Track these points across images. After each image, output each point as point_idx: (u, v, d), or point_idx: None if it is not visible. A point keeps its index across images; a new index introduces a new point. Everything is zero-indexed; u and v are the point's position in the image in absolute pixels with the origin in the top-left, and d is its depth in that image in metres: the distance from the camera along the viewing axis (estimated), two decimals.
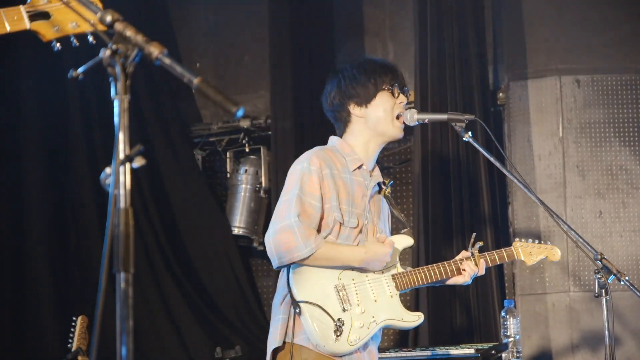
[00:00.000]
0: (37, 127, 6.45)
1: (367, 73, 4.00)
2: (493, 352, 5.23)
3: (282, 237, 3.72)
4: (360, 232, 3.91)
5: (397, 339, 6.50)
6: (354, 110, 4.00)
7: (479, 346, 5.35)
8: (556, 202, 6.26)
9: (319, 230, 3.81)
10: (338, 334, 3.72)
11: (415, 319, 3.95)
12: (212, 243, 7.05)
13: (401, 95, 4.03)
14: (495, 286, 6.17)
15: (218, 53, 7.50)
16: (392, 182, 4.15)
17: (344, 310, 3.77)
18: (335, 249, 3.82)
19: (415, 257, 6.21)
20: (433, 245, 6.22)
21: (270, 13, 6.98)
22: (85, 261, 6.46)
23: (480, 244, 4.09)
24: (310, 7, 6.92)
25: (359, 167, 3.97)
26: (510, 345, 5.23)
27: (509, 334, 5.37)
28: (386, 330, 5.85)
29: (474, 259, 4.06)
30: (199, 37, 7.52)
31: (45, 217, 6.40)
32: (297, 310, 3.71)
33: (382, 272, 3.93)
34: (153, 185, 6.88)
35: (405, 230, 4.06)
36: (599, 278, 3.93)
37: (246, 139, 7.26)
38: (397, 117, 4.02)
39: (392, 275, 3.94)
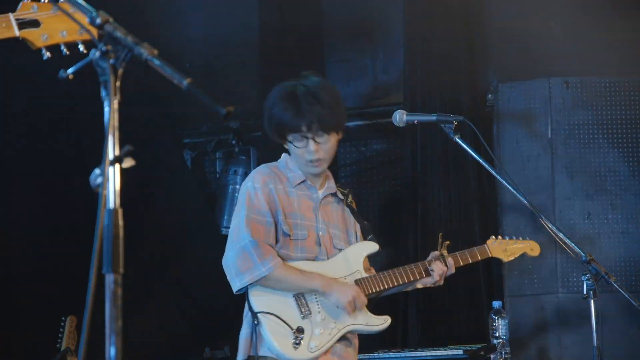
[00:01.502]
0: (24, 126, 6.42)
1: (271, 123, 3.94)
2: (482, 353, 5.24)
3: (239, 261, 3.76)
4: (317, 243, 3.91)
5: (386, 340, 6.50)
6: (280, 140, 3.99)
7: (468, 347, 5.36)
8: (545, 204, 6.26)
9: None
10: (297, 342, 3.73)
11: (381, 322, 3.94)
12: (201, 243, 7.03)
13: (310, 142, 3.86)
14: (484, 287, 6.18)
15: (208, 54, 7.49)
16: (349, 190, 4.12)
17: (303, 318, 3.77)
18: (293, 272, 3.79)
19: (404, 259, 6.21)
20: (422, 246, 6.22)
21: (260, 14, 6.98)
22: (74, 261, 6.42)
23: (447, 243, 4.09)
24: (300, 9, 6.92)
25: (303, 182, 3.96)
26: (498, 347, 5.24)
27: (497, 335, 5.37)
28: None
29: (443, 259, 4.07)
30: (189, 37, 7.50)
31: (33, 217, 6.37)
32: (256, 322, 3.74)
33: (345, 279, 3.91)
34: (142, 185, 6.86)
35: (371, 236, 4.05)
36: (587, 280, 3.94)
37: (236, 139, 7.26)
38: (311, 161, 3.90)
39: (355, 281, 3.92)
